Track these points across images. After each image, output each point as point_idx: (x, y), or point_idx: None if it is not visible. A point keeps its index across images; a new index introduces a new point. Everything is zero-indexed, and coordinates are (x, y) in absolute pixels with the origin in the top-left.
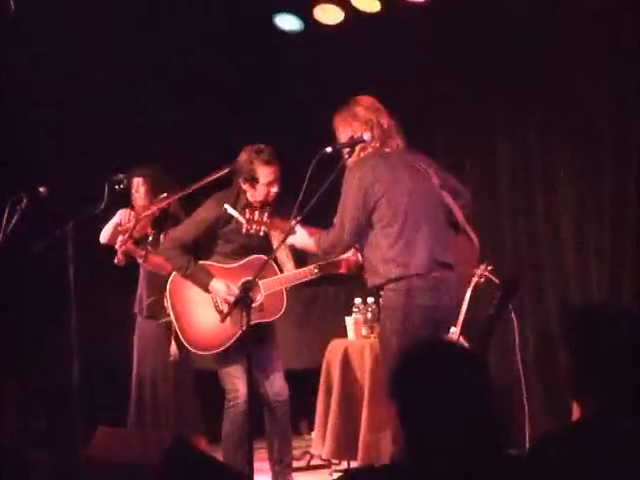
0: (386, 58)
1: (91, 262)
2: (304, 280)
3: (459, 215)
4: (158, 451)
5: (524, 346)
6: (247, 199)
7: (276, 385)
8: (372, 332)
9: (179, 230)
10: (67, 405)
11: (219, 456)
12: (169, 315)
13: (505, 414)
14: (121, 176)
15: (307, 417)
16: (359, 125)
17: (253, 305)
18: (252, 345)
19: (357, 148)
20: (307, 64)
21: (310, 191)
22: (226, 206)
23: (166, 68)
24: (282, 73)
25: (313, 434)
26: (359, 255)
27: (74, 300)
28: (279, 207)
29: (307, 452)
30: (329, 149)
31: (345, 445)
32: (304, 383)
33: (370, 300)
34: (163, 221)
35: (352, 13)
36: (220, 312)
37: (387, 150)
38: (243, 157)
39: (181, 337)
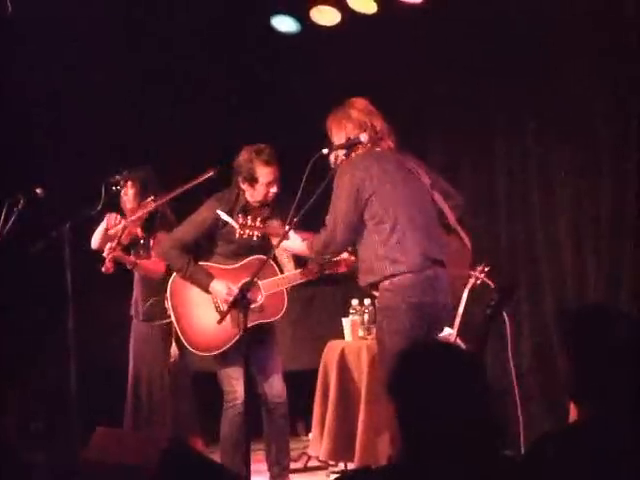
0: (383, 59)
1: (88, 263)
2: (305, 280)
3: (450, 216)
4: (156, 452)
5: (521, 348)
6: (246, 199)
7: (275, 386)
8: (369, 333)
9: (179, 231)
10: (65, 406)
11: (216, 457)
12: (169, 316)
13: (501, 416)
14: (118, 177)
15: (304, 418)
16: (353, 127)
17: (253, 306)
18: (252, 346)
19: (354, 149)
20: (304, 65)
21: (307, 192)
22: (219, 211)
23: (164, 69)
24: (279, 74)
25: (310, 435)
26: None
27: (71, 301)
28: (278, 207)
29: (304, 453)
30: (326, 151)
31: (342, 446)
32: (301, 384)
33: (367, 301)
34: (152, 224)
35: (349, 14)
36: (221, 313)
37: (378, 150)
38: (243, 157)
39: (182, 338)
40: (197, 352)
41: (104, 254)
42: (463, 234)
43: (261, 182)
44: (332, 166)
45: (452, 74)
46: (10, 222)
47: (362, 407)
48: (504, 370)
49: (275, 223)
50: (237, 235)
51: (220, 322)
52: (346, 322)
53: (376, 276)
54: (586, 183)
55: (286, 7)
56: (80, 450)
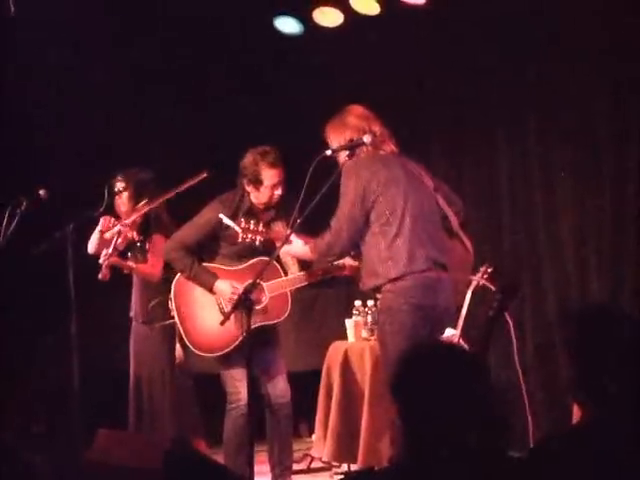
0: (385, 60)
1: (91, 264)
2: (309, 282)
3: (453, 221)
4: (159, 454)
5: (524, 348)
6: (251, 201)
7: (278, 387)
8: (372, 334)
9: (183, 232)
10: (67, 407)
11: (220, 459)
12: (171, 318)
13: (505, 416)
14: (126, 177)
15: (307, 419)
16: (351, 133)
17: (258, 307)
18: (256, 347)
19: (357, 151)
20: (307, 66)
21: (310, 194)
22: (221, 216)
23: (166, 70)
24: (282, 75)
25: (313, 437)
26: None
27: (74, 302)
28: (282, 209)
29: (307, 455)
30: (329, 152)
31: (345, 448)
32: (304, 385)
33: (370, 302)
34: (148, 227)
35: (351, 16)
36: (224, 314)
37: (381, 153)
38: (248, 159)
39: (185, 339)
40: (200, 353)
41: (100, 261)
42: (465, 239)
43: (266, 184)
44: (340, 166)
45: (455, 75)
46: (13, 224)
47: (365, 408)
48: (507, 371)
49: (279, 226)
50: (240, 239)
51: (223, 323)
52: (349, 323)
53: (380, 279)
54: (587, 183)
55: (289, 8)
56: (82, 452)
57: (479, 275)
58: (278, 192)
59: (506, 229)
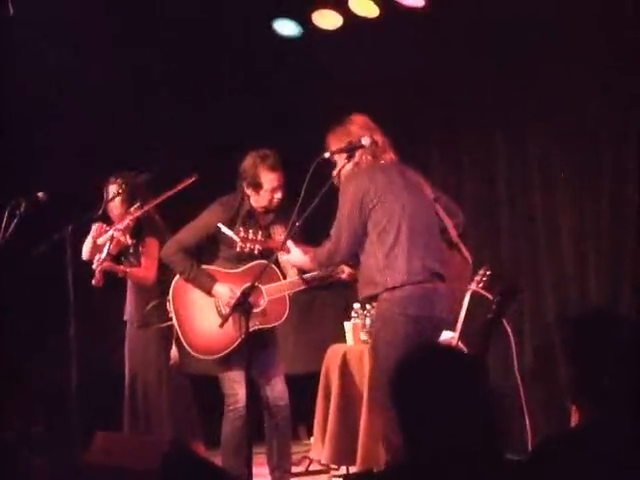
0: (384, 63)
1: (89, 266)
2: (307, 286)
3: (452, 232)
4: (157, 456)
5: (523, 350)
6: (251, 204)
7: (277, 390)
8: (371, 337)
9: (182, 234)
10: (66, 409)
11: (218, 461)
12: (167, 320)
13: (505, 420)
14: (119, 181)
15: (306, 422)
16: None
17: (256, 310)
18: (254, 350)
19: (356, 153)
20: (306, 69)
21: (309, 197)
22: (220, 225)
23: (165, 73)
24: (281, 78)
25: (312, 439)
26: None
27: (73, 304)
28: (282, 213)
29: (306, 457)
30: (327, 155)
31: (344, 450)
32: (303, 388)
33: (369, 305)
34: (140, 231)
35: (350, 18)
36: (223, 316)
37: (382, 162)
38: (248, 162)
39: (183, 341)
40: (198, 355)
41: (93, 267)
42: (464, 250)
43: (265, 188)
44: (339, 169)
45: (454, 77)
46: (12, 225)
47: (364, 411)
48: (506, 374)
49: (279, 230)
50: (238, 248)
51: (222, 325)
52: (348, 326)
53: (377, 288)
54: (586, 185)
55: (288, 11)
56: (80, 453)
57: (476, 281)
58: (278, 196)
59: (505, 232)
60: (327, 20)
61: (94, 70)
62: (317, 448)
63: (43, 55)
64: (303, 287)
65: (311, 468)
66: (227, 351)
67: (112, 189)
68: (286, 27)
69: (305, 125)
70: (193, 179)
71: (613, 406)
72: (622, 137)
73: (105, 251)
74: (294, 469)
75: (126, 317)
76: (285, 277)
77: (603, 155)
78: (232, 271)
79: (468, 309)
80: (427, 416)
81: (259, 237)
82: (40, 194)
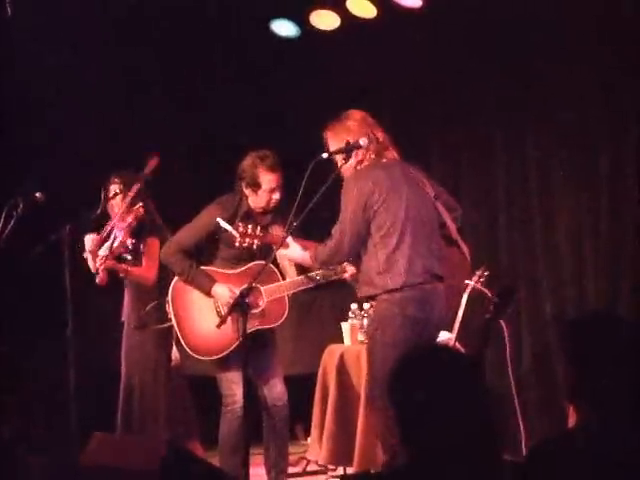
0: (382, 63)
1: (87, 266)
2: (306, 287)
3: (452, 229)
4: (155, 457)
5: (521, 351)
6: (249, 205)
7: (275, 390)
8: (367, 337)
9: (180, 234)
10: (64, 410)
11: (215, 461)
12: (166, 321)
13: (501, 420)
14: (117, 181)
15: (303, 422)
16: (353, 137)
17: (255, 311)
18: (252, 350)
19: (353, 154)
20: (303, 70)
21: (307, 197)
22: (219, 220)
23: (163, 74)
24: (278, 79)
25: (309, 440)
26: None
27: (70, 304)
28: (280, 214)
29: (303, 458)
30: (325, 155)
31: (341, 451)
32: (300, 388)
33: (366, 306)
34: (142, 230)
35: (348, 19)
36: (221, 317)
37: (384, 161)
38: (247, 162)
39: (182, 342)
40: (197, 356)
41: (97, 264)
42: (463, 246)
43: (264, 188)
44: (338, 170)
45: (451, 78)
46: (9, 226)
47: (361, 411)
48: (502, 376)
49: (277, 230)
50: (237, 244)
51: (219, 326)
52: (345, 326)
53: (377, 289)
54: (585, 185)
55: (285, 11)
56: (78, 454)
57: (475, 279)
58: (276, 196)
59: (503, 233)
60: (325, 20)
61: (92, 70)
62: (314, 449)
63: (41, 56)
64: (302, 287)
65: (308, 469)
66: (226, 352)
67: (113, 188)
68: (284, 27)
69: (303, 125)
70: (156, 161)
71: (611, 407)
72: (621, 138)
73: (107, 249)
74: (291, 469)
75: (124, 318)
76: (284, 278)
77: (602, 155)
78: (231, 272)
79: (465, 310)
80: (424, 416)
81: (258, 232)
82: (38, 194)
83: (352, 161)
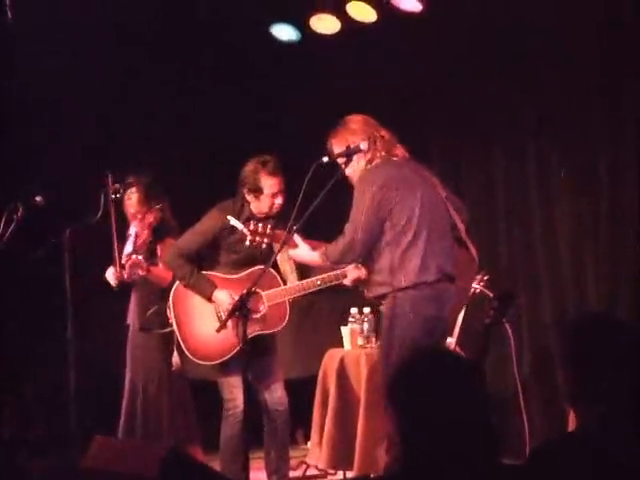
0: (382, 67)
1: (87, 270)
2: (307, 292)
3: (462, 230)
4: (155, 461)
5: (521, 356)
6: (251, 210)
7: (276, 395)
8: (368, 342)
9: (182, 240)
10: (64, 413)
11: (216, 465)
12: (168, 326)
13: (501, 424)
14: (117, 185)
15: (303, 427)
16: (360, 140)
17: (256, 316)
18: (253, 355)
19: (355, 157)
20: (304, 74)
21: (308, 201)
22: (229, 217)
23: (162, 77)
24: (279, 83)
25: (309, 444)
26: (362, 269)
27: (70, 308)
28: (282, 219)
29: (303, 462)
30: (325, 159)
31: (341, 455)
32: (300, 393)
33: (366, 310)
34: (159, 230)
35: (348, 23)
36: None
37: (395, 159)
38: (249, 168)
39: (183, 346)
40: (198, 361)
41: (123, 261)
42: (472, 247)
43: (266, 193)
44: (340, 173)
45: (451, 82)
46: (10, 230)
47: (361, 415)
48: (505, 379)
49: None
50: (248, 242)
51: (219, 330)
52: (345, 331)
53: (389, 287)
54: (585, 189)
55: (286, 15)
56: (78, 458)
57: (475, 282)
58: (278, 201)
59: (503, 237)
60: (325, 25)
61: (93, 73)
62: (314, 453)
63: (40, 58)
64: (303, 293)
65: (308, 473)
66: (227, 357)
67: (130, 188)
68: (284, 32)
69: (303, 130)
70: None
71: (611, 410)
72: (621, 142)
73: (131, 247)
74: (292, 474)
75: (129, 321)
76: (285, 283)
77: (601, 159)
78: (232, 277)
79: (466, 314)
80: (423, 420)
81: (268, 231)
82: (38, 198)
83: (362, 162)
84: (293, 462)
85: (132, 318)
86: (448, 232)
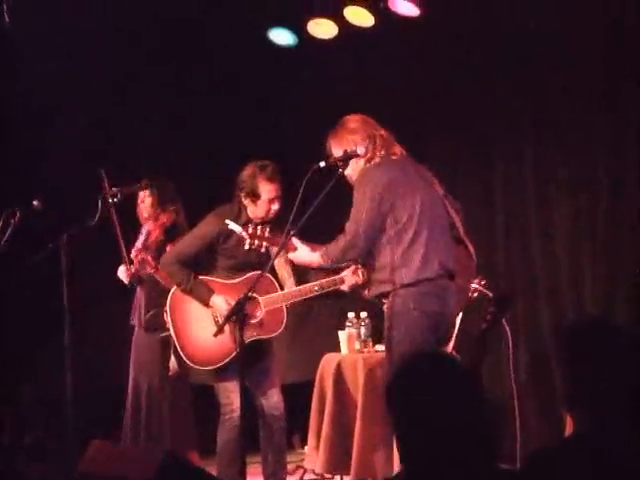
0: (380, 72)
1: (84, 274)
2: (305, 297)
3: (461, 229)
4: (152, 466)
5: (518, 359)
6: (248, 215)
7: (272, 400)
8: (365, 346)
9: (180, 245)
10: (61, 418)
11: (212, 470)
12: (169, 329)
13: (498, 429)
14: (115, 190)
15: (300, 431)
16: (360, 139)
17: (253, 321)
18: (250, 360)
19: (351, 162)
20: (301, 78)
21: (305, 206)
22: (228, 221)
23: (161, 82)
24: (276, 87)
25: (306, 448)
26: (360, 273)
27: (68, 313)
28: (279, 225)
29: (300, 466)
30: (322, 163)
31: (338, 459)
32: (297, 397)
33: (363, 314)
34: (171, 232)
35: (346, 27)
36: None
37: (394, 157)
38: (247, 172)
39: (180, 352)
40: (195, 365)
41: (132, 256)
42: (470, 246)
43: (263, 198)
44: (338, 176)
45: (450, 87)
46: (7, 234)
47: (358, 420)
48: (501, 382)
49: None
50: (247, 246)
51: (216, 335)
52: (342, 335)
53: (391, 285)
54: (583, 192)
55: (283, 20)
56: (76, 463)
57: (472, 287)
58: (275, 207)
59: (500, 239)
60: (323, 29)
61: (93, 76)
62: (311, 457)
63: (40, 61)
64: (301, 298)
65: (305, 477)
66: (224, 362)
67: (143, 192)
68: (281, 36)
69: (302, 134)
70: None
71: (609, 414)
72: (620, 144)
73: (141, 243)
74: (288, 478)
75: (133, 321)
76: (283, 288)
77: (601, 161)
78: (230, 282)
79: (463, 319)
80: (421, 422)
81: (267, 234)
82: (35, 202)
83: (361, 162)
84: (290, 467)
85: (137, 318)
86: (447, 230)
